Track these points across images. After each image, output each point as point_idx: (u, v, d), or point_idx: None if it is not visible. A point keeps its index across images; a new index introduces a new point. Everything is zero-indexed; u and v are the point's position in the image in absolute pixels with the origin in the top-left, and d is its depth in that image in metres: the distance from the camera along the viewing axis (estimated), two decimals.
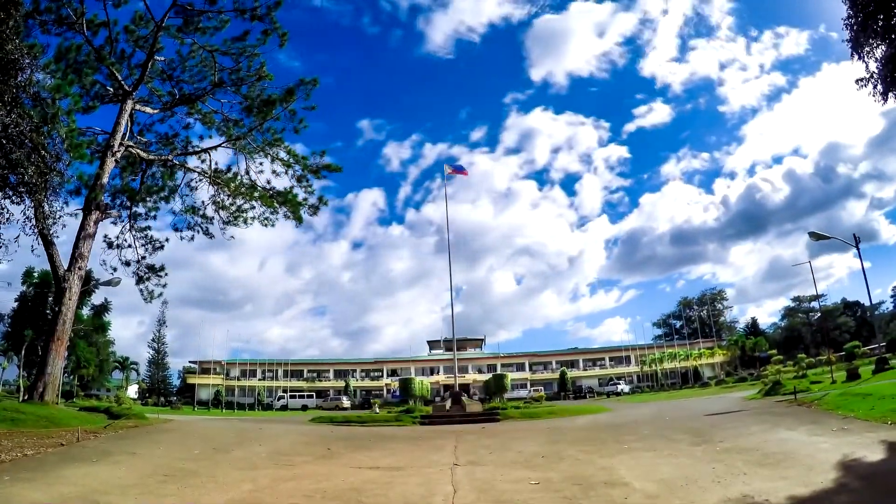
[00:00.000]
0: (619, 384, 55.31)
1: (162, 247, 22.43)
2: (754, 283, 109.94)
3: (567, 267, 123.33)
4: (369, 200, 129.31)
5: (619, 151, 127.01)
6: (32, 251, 16.92)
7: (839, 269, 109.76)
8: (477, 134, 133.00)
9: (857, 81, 10.94)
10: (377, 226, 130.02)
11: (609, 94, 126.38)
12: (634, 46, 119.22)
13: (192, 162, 22.56)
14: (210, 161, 22.51)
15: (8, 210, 12.63)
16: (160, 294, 22.70)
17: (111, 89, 20.54)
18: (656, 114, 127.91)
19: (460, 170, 35.01)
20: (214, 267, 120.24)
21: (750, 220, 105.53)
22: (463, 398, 26.33)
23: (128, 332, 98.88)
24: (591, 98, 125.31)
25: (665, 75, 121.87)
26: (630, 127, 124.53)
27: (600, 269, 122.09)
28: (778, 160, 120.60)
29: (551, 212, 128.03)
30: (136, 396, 54.36)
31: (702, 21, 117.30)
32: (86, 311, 39.24)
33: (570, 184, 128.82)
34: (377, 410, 32.79)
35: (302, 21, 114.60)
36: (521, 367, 67.97)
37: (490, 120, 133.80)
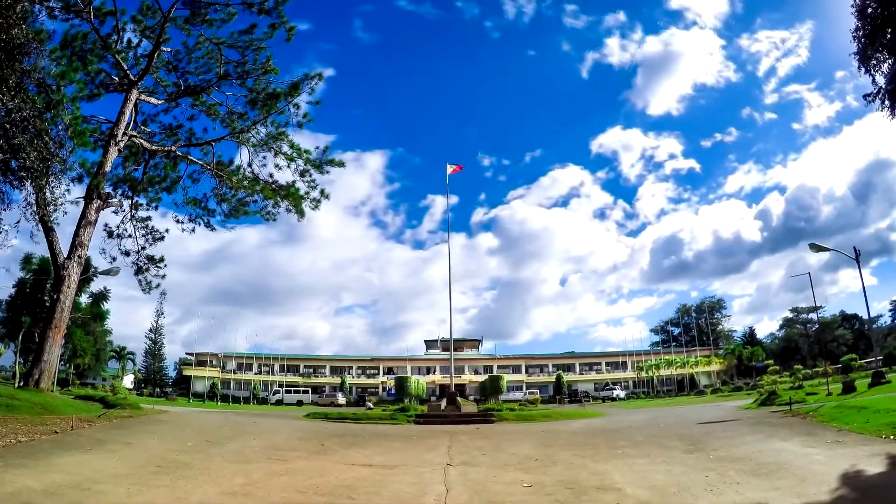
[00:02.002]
0: (615, 389, 55.29)
1: (162, 237, 22.47)
2: (775, 294, 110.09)
3: (613, 274, 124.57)
4: (444, 205, 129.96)
5: (691, 164, 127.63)
6: (32, 237, 16.96)
7: (859, 282, 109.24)
8: (568, 143, 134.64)
9: (865, 97, 10.90)
10: (444, 230, 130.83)
11: (699, 118, 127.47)
12: (734, 87, 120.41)
13: (196, 154, 22.59)
14: (213, 153, 22.54)
15: (8, 195, 12.65)
16: (158, 285, 22.75)
17: (116, 78, 20.55)
18: (736, 131, 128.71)
19: (458, 166, 35.31)
20: (270, 262, 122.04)
21: (787, 235, 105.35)
22: (458, 398, 26.33)
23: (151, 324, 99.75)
24: (680, 119, 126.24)
25: (753, 111, 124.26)
26: (706, 143, 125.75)
27: (643, 277, 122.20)
28: (826, 177, 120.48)
29: (613, 219, 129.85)
30: (131, 386, 54.38)
31: (802, 70, 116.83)
32: (84, 300, 39.21)
33: (633, 193, 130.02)
34: (371, 407, 32.80)
35: (431, 16, 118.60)
36: (517, 370, 67.94)
37: (583, 132, 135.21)
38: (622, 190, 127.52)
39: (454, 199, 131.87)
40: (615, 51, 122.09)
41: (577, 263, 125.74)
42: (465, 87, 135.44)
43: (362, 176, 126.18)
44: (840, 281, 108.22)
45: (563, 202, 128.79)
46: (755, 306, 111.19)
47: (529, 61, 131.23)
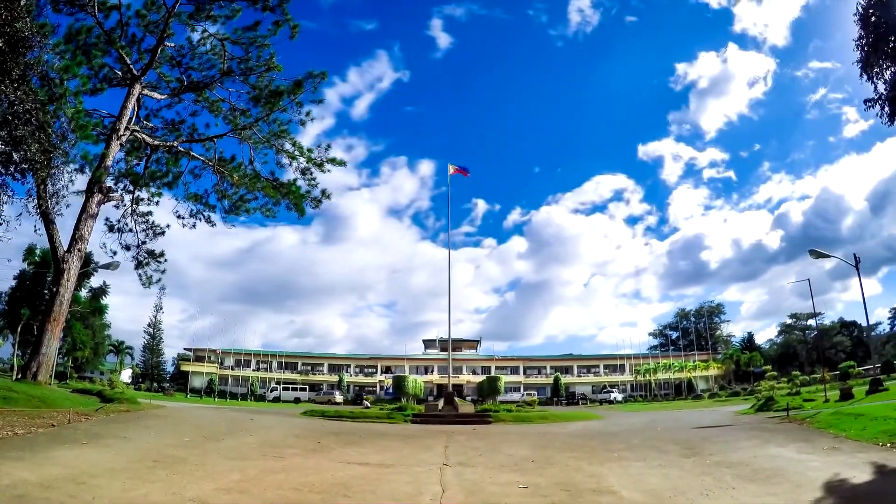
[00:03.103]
0: (613, 392, 55.26)
1: (163, 232, 22.44)
2: (786, 300, 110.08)
3: (635, 277, 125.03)
4: (485, 209, 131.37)
5: (729, 174, 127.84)
6: (35, 230, 17.01)
7: (871, 287, 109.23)
8: (615, 151, 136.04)
9: (865, 102, 10.93)
10: (481, 233, 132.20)
11: (743, 132, 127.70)
12: (781, 106, 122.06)
13: (198, 150, 22.58)
14: (215, 149, 22.53)
15: (10, 188, 12.69)
16: (158, 280, 22.72)
17: (120, 73, 20.55)
18: (776, 143, 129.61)
19: (463, 169, 35.14)
20: (302, 261, 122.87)
21: (807, 243, 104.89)
22: (455, 399, 26.32)
23: (170, 318, 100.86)
24: (726, 134, 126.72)
25: (795, 124, 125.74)
26: (744, 154, 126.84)
27: (664, 281, 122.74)
28: (849, 189, 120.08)
29: (644, 224, 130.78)
30: (129, 381, 54.42)
31: (845, 88, 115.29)
32: (84, 293, 39.23)
33: (668, 200, 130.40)
34: (367, 405, 32.84)
35: (501, 22, 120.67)
36: (515, 371, 67.97)
37: (630, 141, 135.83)
38: (658, 196, 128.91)
39: (497, 207, 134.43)
40: (673, 66, 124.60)
41: (602, 267, 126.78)
42: (525, 95, 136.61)
43: (412, 179, 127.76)
44: (852, 288, 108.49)
45: (600, 207, 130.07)
46: (767, 311, 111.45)
47: (591, 72, 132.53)
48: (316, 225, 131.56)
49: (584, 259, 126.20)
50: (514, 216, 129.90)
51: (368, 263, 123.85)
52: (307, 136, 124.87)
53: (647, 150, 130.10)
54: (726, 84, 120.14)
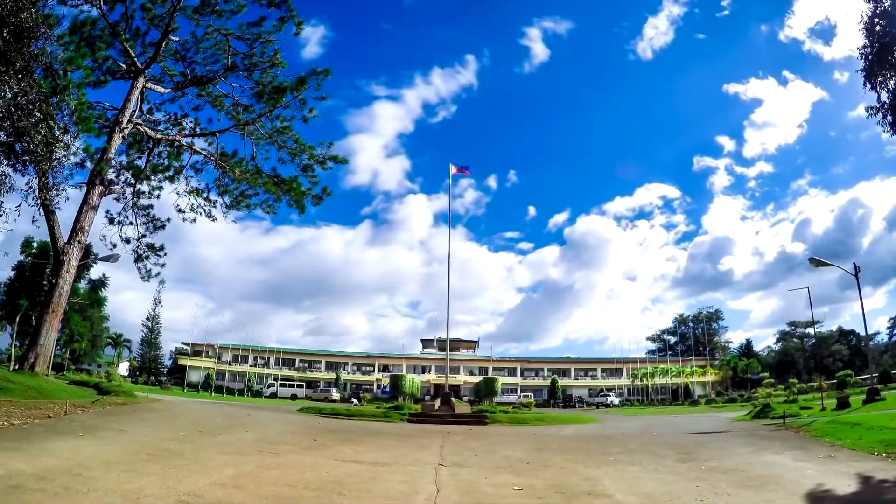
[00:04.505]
0: (610, 396, 55.28)
1: (163, 226, 22.46)
2: (799, 306, 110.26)
3: (660, 283, 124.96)
4: (534, 215, 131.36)
5: (770, 188, 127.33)
6: (33, 222, 17.00)
7: (877, 300, 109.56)
8: (672, 165, 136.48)
9: (867, 110, 10.94)
10: (527, 239, 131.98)
11: (790, 149, 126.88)
12: (830, 127, 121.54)
13: (200, 144, 22.60)
14: (217, 144, 22.55)
15: (11, 177, 12.69)
16: (158, 273, 22.74)
17: (123, 66, 20.55)
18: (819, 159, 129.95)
19: (464, 168, 35.22)
20: (339, 262, 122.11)
21: (826, 256, 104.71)
22: (452, 399, 26.34)
23: (184, 314, 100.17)
24: (774, 152, 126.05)
25: (838, 144, 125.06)
26: (788, 169, 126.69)
27: (685, 286, 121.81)
28: (875, 205, 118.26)
29: (677, 231, 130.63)
30: (126, 374, 54.32)
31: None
32: (83, 285, 39.17)
33: (706, 208, 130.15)
34: (363, 404, 32.88)
35: (586, 38, 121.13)
36: (512, 372, 67.94)
37: (684, 153, 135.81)
38: (701, 205, 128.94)
39: (546, 214, 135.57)
40: (733, 87, 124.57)
41: (633, 271, 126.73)
42: (597, 106, 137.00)
43: (475, 192, 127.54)
44: (863, 297, 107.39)
45: (647, 214, 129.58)
46: (780, 318, 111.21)
47: (660, 86, 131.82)
48: (364, 227, 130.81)
49: (616, 264, 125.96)
50: (561, 222, 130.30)
51: (406, 265, 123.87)
52: (384, 137, 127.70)
53: (701, 163, 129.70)
54: (783, 112, 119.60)
